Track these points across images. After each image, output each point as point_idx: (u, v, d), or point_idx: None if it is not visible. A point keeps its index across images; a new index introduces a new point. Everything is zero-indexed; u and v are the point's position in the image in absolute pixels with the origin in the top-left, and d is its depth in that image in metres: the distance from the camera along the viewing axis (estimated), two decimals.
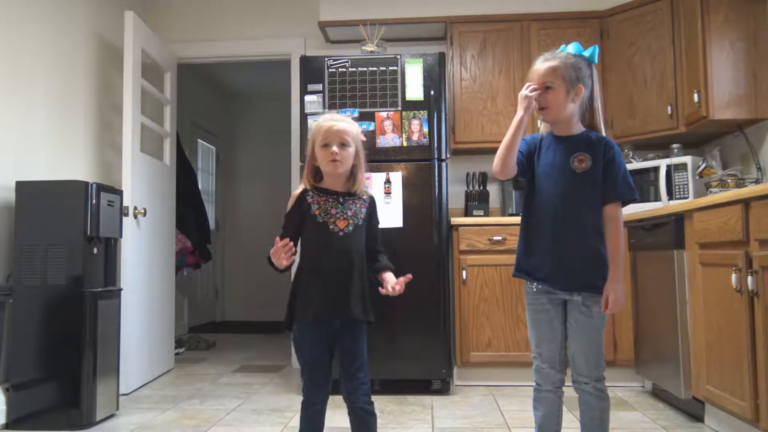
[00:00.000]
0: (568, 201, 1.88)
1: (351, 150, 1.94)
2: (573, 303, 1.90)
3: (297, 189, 2.00)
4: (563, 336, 1.93)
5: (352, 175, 1.98)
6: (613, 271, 1.86)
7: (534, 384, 1.98)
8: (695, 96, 3.30)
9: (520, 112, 1.87)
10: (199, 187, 5.99)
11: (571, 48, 1.92)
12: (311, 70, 3.57)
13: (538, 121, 2.13)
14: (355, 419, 1.93)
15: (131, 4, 4.03)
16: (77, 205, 2.83)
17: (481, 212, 3.96)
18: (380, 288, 1.93)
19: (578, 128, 1.94)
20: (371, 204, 2.02)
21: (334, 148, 1.90)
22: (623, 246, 1.87)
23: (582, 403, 1.93)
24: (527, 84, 1.90)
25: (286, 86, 4.47)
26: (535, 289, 1.95)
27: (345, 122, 1.97)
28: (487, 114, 3.92)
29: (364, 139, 2.07)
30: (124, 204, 3.34)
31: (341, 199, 1.95)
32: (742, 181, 3.25)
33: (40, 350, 2.76)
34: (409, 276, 1.90)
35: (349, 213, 1.94)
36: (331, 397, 1.94)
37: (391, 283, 1.91)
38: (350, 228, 1.93)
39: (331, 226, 1.91)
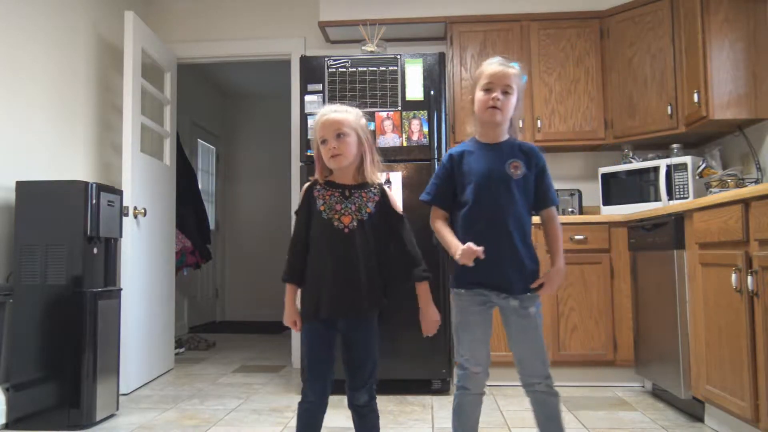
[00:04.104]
0: (510, 207, 1.89)
1: (351, 139, 1.86)
2: (509, 308, 1.91)
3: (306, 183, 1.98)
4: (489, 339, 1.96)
5: (361, 163, 1.90)
6: (559, 259, 1.93)
7: (458, 390, 1.96)
8: (695, 96, 3.30)
9: (457, 257, 1.83)
10: (199, 187, 6.00)
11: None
12: (311, 70, 3.57)
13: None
14: (354, 417, 1.92)
15: (131, 4, 4.04)
16: (77, 205, 2.83)
17: None
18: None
19: (505, 136, 1.98)
20: (381, 197, 1.90)
21: (332, 143, 1.85)
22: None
23: (536, 403, 1.93)
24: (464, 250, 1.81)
25: (286, 86, 4.47)
26: (464, 291, 1.94)
27: (339, 112, 1.89)
28: None
29: (369, 127, 1.97)
30: (124, 204, 3.35)
31: (347, 193, 1.88)
32: (742, 181, 3.25)
33: (40, 350, 2.76)
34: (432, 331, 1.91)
35: (353, 208, 1.87)
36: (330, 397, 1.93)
37: (425, 328, 1.91)
38: (354, 224, 1.85)
39: (336, 223, 1.85)
